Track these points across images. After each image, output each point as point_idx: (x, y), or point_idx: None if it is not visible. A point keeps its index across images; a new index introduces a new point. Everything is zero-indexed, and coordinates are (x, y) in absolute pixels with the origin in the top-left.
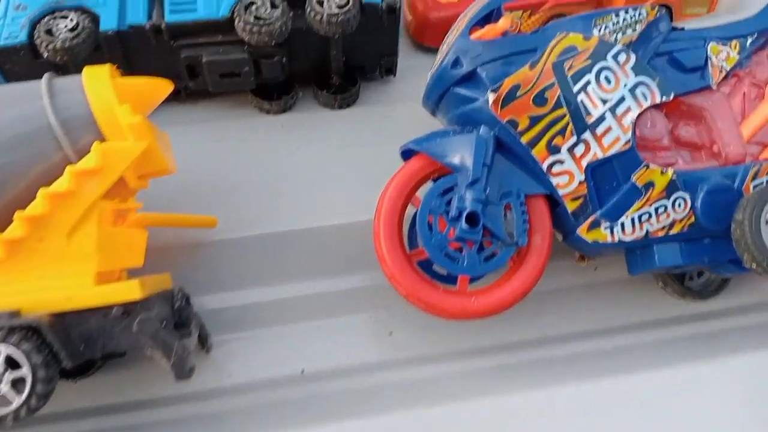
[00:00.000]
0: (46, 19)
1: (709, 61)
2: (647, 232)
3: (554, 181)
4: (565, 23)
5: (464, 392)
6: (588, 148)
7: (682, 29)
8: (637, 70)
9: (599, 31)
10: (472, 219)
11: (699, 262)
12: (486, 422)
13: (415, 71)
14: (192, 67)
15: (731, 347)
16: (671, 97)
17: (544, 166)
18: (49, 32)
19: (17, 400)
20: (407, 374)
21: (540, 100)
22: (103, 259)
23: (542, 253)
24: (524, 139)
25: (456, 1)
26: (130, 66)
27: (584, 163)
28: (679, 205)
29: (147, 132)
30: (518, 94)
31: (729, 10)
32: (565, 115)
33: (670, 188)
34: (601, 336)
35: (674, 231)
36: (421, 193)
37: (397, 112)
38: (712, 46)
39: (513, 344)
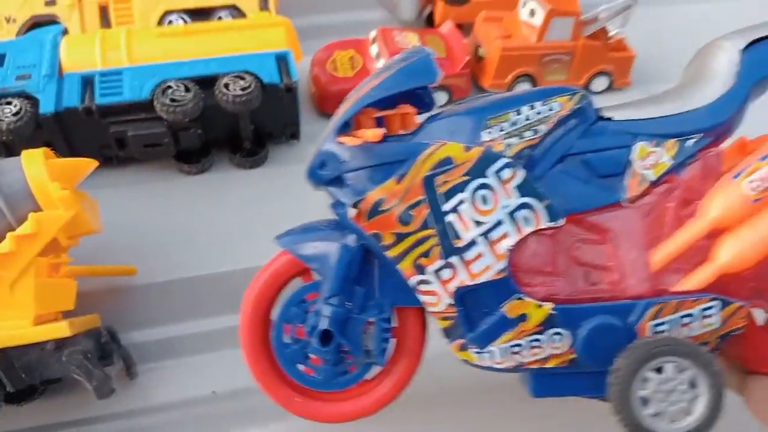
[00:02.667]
0: None
1: (629, 168)
2: (519, 363)
3: (422, 298)
4: (451, 122)
5: None
6: (455, 274)
7: (610, 119)
8: (522, 190)
9: (490, 133)
10: (327, 336)
11: (581, 395)
12: None
13: (318, 135)
14: (120, 140)
15: None
16: (561, 222)
17: (412, 283)
18: None
19: None
20: None
21: (405, 217)
22: (39, 305)
23: (405, 374)
24: (390, 254)
25: (351, 76)
26: (67, 140)
27: (451, 288)
28: (557, 341)
29: (74, 202)
30: (382, 209)
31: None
32: (431, 237)
33: (547, 323)
34: None
35: (550, 364)
36: None
37: (301, 172)
38: (641, 146)
39: None
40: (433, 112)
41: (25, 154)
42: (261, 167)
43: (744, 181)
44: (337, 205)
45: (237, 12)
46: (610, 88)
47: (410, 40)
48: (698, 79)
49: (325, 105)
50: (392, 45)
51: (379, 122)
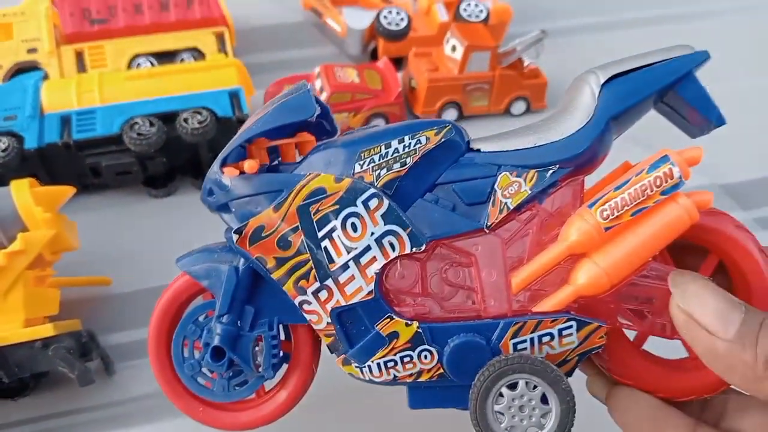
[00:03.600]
0: None
1: (492, 196)
2: (395, 377)
3: (307, 316)
4: (329, 154)
5: None
6: (331, 295)
7: (478, 151)
8: (387, 218)
9: (362, 165)
10: (219, 352)
11: (453, 407)
12: None
13: None
14: (95, 169)
15: None
16: (423, 248)
17: (296, 302)
18: None
19: None
20: None
21: (284, 243)
22: (28, 311)
23: (299, 386)
24: (274, 276)
25: None
26: (49, 171)
27: (328, 307)
28: (426, 357)
29: (55, 223)
30: (263, 235)
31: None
32: (308, 261)
33: (415, 340)
34: None
35: (423, 379)
36: None
37: None
38: (503, 176)
39: None
40: (319, 143)
41: (14, 183)
42: None
43: (597, 210)
44: (227, 230)
45: (198, 53)
46: (528, 111)
47: (349, 74)
48: (564, 112)
49: None
50: (333, 79)
51: (275, 151)
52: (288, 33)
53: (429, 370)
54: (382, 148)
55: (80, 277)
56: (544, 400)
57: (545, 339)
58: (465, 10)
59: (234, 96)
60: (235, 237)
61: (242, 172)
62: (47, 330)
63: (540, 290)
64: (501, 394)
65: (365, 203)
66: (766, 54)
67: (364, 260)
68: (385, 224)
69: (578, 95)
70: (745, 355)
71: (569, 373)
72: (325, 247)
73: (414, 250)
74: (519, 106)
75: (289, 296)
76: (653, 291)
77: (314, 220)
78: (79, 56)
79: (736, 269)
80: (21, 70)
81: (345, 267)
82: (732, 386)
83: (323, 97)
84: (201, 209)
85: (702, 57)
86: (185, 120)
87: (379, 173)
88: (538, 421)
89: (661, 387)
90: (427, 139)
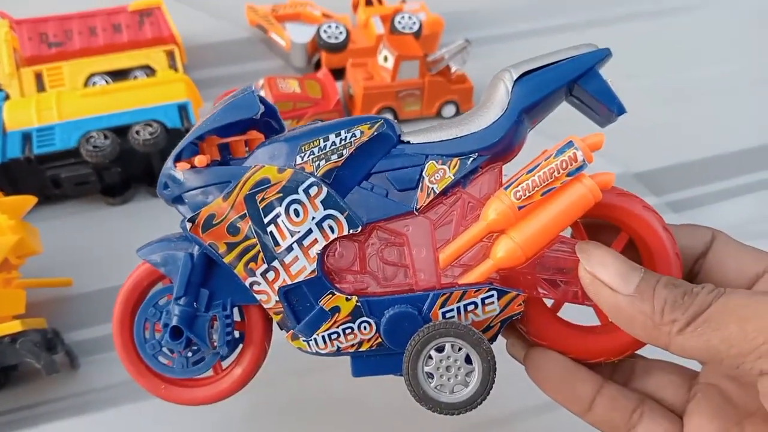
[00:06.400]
0: None
1: (420, 183)
2: (338, 348)
3: (257, 296)
4: (273, 148)
5: None
6: (278, 275)
7: (408, 143)
8: (326, 203)
9: (303, 157)
10: (177, 332)
11: (392, 374)
12: None
13: None
14: (55, 181)
15: None
16: (359, 229)
17: (247, 284)
18: None
19: None
20: None
21: (233, 229)
22: None
23: (252, 362)
24: (226, 260)
25: None
26: (12, 184)
27: (276, 287)
28: (365, 328)
29: (20, 229)
30: (213, 222)
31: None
32: (256, 245)
33: (355, 313)
34: None
35: (363, 348)
36: None
37: None
38: (430, 164)
39: None
40: (265, 141)
41: None
42: None
43: (512, 192)
44: (183, 220)
45: (150, 70)
46: (458, 114)
47: (291, 85)
48: (483, 107)
49: None
50: (275, 90)
51: (226, 148)
52: (236, 49)
53: (368, 340)
54: (321, 141)
55: (44, 279)
56: (468, 360)
57: (470, 307)
58: (399, 22)
59: (182, 109)
60: (188, 225)
61: (193, 167)
62: (15, 326)
63: (467, 265)
64: (430, 357)
65: (306, 191)
66: (671, 55)
67: (306, 242)
68: (324, 209)
69: (495, 91)
70: (644, 307)
71: (493, 339)
72: (271, 232)
73: (351, 231)
74: (449, 110)
75: (240, 279)
76: (566, 262)
77: (260, 208)
78: (39, 77)
79: (643, 245)
80: None
81: (290, 249)
82: (635, 338)
83: None
84: (155, 215)
85: (603, 53)
86: (137, 132)
87: (319, 164)
88: (463, 379)
89: (573, 348)
90: (362, 132)
